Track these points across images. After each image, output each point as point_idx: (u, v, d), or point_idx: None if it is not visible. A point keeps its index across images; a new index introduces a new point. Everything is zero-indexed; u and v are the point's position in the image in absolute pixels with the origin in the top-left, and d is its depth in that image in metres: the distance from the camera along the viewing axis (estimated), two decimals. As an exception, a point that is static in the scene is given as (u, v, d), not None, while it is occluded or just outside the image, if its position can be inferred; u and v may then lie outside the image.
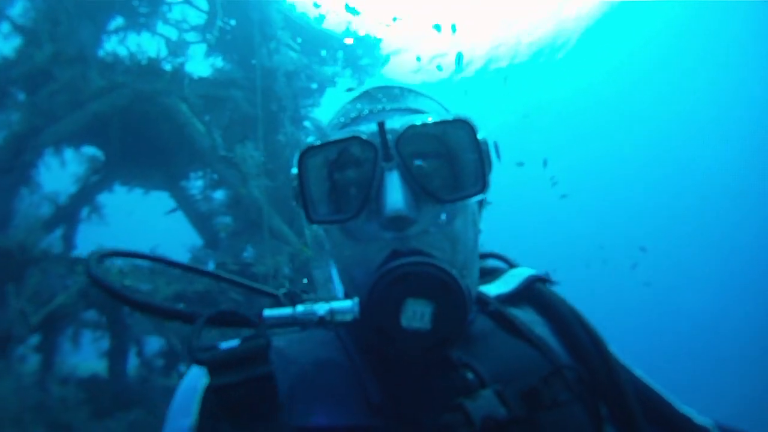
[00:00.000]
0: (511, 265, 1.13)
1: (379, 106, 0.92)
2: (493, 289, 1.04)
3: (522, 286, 1.02)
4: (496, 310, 0.96)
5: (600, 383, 0.88)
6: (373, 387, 0.80)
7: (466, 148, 0.88)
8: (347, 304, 0.81)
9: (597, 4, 19.14)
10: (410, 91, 0.97)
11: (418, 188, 0.83)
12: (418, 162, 0.86)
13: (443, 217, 0.86)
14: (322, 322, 0.81)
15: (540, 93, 22.18)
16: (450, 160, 0.89)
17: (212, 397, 0.76)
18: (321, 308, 0.81)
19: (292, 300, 0.98)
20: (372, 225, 0.84)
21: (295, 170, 0.88)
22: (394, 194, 0.79)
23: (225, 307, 0.96)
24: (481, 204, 1.01)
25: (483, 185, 0.87)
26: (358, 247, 0.87)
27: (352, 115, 0.93)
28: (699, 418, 0.92)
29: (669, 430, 0.91)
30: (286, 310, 0.82)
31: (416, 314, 0.76)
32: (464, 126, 0.87)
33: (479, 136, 0.87)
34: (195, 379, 0.84)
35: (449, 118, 0.87)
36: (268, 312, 0.82)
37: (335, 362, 0.85)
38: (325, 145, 0.87)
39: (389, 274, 0.77)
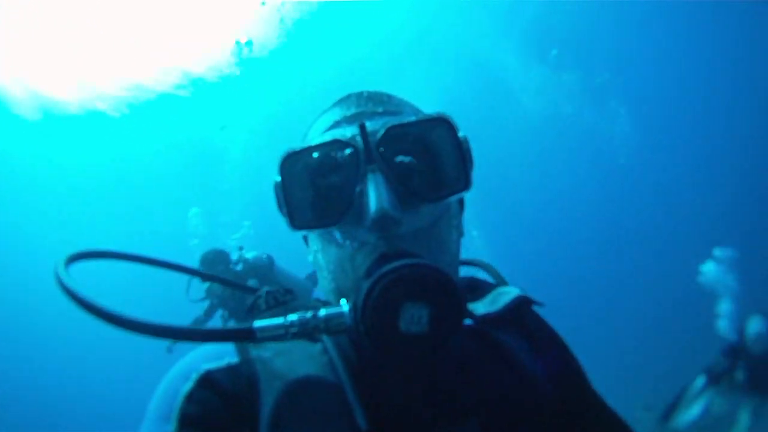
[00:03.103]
0: (498, 280, 1.12)
1: (360, 110, 0.92)
2: (481, 307, 1.02)
3: (510, 307, 1.00)
4: (483, 332, 0.95)
5: (578, 415, 0.89)
6: (359, 411, 0.77)
7: (448, 146, 0.88)
8: (340, 310, 0.78)
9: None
10: (390, 96, 0.98)
11: (401, 189, 0.83)
12: (400, 162, 0.85)
13: (428, 217, 0.86)
14: (316, 331, 0.78)
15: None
16: (432, 159, 0.89)
17: (193, 409, 0.75)
18: (314, 317, 0.79)
19: (275, 298, 0.98)
20: (357, 229, 0.83)
21: (277, 177, 0.87)
22: (379, 195, 0.79)
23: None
24: (461, 205, 1.01)
25: (466, 183, 0.87)
26: (344, 252, 0.85)
27: (334, 118, 0.93)
28: None
29: None
30: (277, 320, 0.79)
31: (414, 318, 0.74)
32: (444, 124, 0.88)
33: (460, 134, 0.88)
34: (177, 382, 0.80)
35: (429, 117, 0.87)
36: (259, 323, 0.78)
37: (322, 382, 0.82)
38: (306, 150, 0.86)
39: (384, 278, 0.74)
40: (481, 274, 1.15)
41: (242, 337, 0.78)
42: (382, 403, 0.79)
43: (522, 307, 1.01)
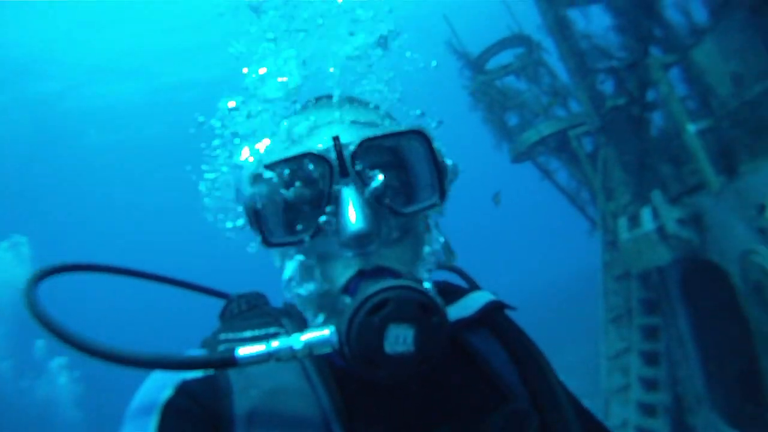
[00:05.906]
0: (471, 285, 1.13)
1: (333, 117, 0.90)
2: (453, 312, 1.02)
3: (481, 312, 1.01)
4: (456, 338, 0.96)
5: (549, 414, 0.91)
6: (334, 419, 0.78)
7: (422, 158, 0.88)
8: (324, 335, 0.77)
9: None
10: (361, 101, 0.96)
11: (375, 203, 0.82)
12: (374, 176, 0.84)
13: (402, 229, 0.85)
14: (300, 355, 0.77)
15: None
16: (406, 171, 0.89)
17: (174, 411, 0.76)
18: (297, 342, 0.77)
19: (248, 302, 0.97)
20: (331, 243, 0.82)
21: (248, 191, 0.85)
22: (354, 212, 0.78)
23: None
24: (437, 213, 0.99)
25: (440, 195, 0.87)
26: (319, 266, 0.84)
27: (306, 124, 0.91)
28: None
29: None
30: (260, 347, 0.77)
31: (399, 338, 0.75)
32: (419, 137, 0.87)
33: (434, 146, 0.87)
34: (154, 392, 0.80)
35: (403, 129, 0.86)
36: (242, 353, 0.76)
37: (296, 390, 0.82)
38: (278, 163, 0.84)
39: (367, 302, 0.74)
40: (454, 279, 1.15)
41: (225, 365, 0.76)
42: (357, 411, 0.80)
43: (494, 311, 1.02)
